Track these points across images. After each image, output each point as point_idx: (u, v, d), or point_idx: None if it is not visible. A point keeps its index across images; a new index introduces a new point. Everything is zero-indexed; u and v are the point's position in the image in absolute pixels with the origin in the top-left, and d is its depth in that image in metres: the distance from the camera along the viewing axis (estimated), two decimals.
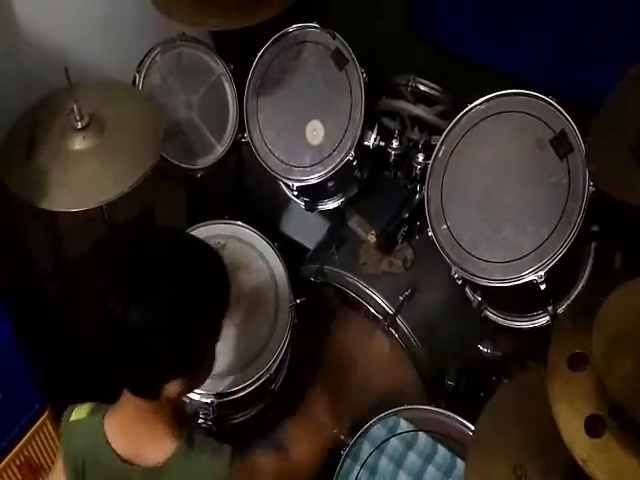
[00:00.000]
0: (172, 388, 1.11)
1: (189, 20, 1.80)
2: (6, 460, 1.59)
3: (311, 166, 1.88)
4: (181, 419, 1.19)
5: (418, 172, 1.91)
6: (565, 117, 1.47)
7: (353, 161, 1.81)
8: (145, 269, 1.04)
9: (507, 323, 1.69)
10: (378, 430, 1.71)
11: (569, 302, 1.57)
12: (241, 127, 2.03)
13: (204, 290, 1.09)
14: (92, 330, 1.08)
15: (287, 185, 1.96)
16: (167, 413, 1.16)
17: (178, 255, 1.08)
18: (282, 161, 1.92)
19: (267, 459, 1.38)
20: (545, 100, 1.50)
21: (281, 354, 1.81)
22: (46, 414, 1.66)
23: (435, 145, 1.66)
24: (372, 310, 1.83)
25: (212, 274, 1.12)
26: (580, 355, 1.09)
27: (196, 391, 1.73)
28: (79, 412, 1.23)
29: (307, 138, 1.88)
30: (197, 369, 1.17)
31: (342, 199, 2.00)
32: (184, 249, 1.11)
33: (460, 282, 1.63)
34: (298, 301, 1.87)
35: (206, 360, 1.19)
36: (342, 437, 1.78)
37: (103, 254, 1.09)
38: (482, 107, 1.60)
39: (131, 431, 1.16)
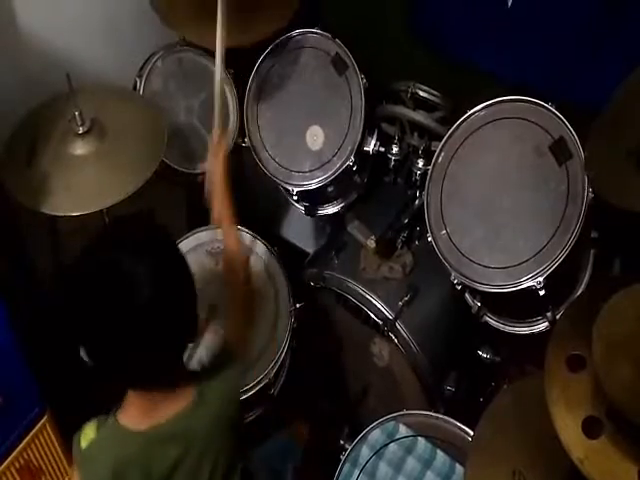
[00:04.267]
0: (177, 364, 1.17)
1: (189, 32, 1.81)
2: (5, 463, 1.59)
3: (311, 171, 1.88)
4: (187, 378, 1.22)
5: (418, 178, 1.92)
6: (564, 123, 1.48)
7: (353, 166, 1.82)
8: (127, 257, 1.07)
9: (506, 329, 1.69)
10: (377, 435, 1.72)
11: (568, 306, 1.57)
12: (241, 132, 2.04)
13: (180, 264, 1.15)
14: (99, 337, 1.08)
15: (287, 190, 1.97)
16: (179, 383, 1.18)
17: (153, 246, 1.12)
18: (282, 166, 1.93)
19: None
20: (544, 106, 1.51)
21: (280, 358, 1.81)
22: (46, 417, 1.66)
23: (435, 151, 1.66)
24: (372, 315, 1.83)
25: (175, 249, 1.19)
26: (578, 357, 1.10)
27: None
28: (87, 436, 1.18)
29: (307, 143, 1.89)
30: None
31: (342, 204, 2.00)
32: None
33: (459, 287, 1.64)
34: (298, 305, 1.87)
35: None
36: (342, 442, 1.78)
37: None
38: (482, 113, 1.60)
39: (152, 411, 1.16)
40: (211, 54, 2.04)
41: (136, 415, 1.17)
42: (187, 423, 1.16)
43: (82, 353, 1.08)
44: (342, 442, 1.78)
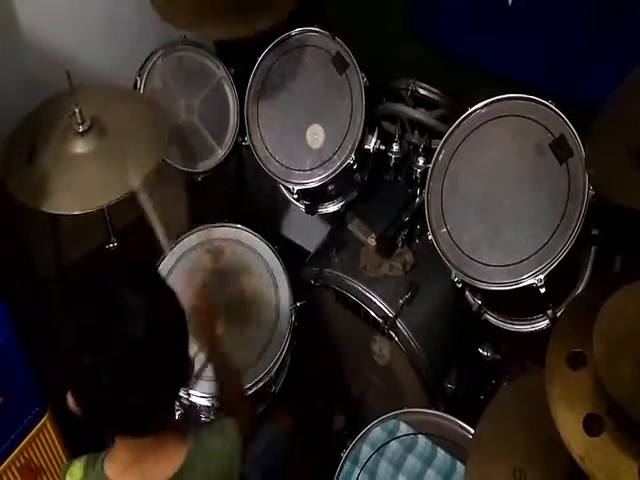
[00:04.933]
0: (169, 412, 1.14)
1: (189, 26, 1.81)
2: (6, 462, 1.59)
3: (311, 170, 1.88)
4: (181, 426, 1.19)
5: (418, 176, 1.92)
6: (565, 121, 1.48)
7: (353, 165, 1.82)
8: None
9: (507, 327, 1.69)
10: (378, 433, 1.72)
11: (569, 304, 1.57)
12: (242, 131, 2.04)
13: (174, 303, 1.11)
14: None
15: (287, 188, 1.97)
16: (169, 430, 1.14)
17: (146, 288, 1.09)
18: (283, 164, 1.93)
19: None
20: (545, 104, 1.51)
21: (281, 357, 1.81)
22: (46, 416, 1.66)
23: (435, 149, 1.66)
24: (372, 313, 1.83)
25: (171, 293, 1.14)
26: (579, 355, 1.10)
27: (196, 394, 1.73)
28: (73, 474, 1.17)
29: (308, 142, 1.89)
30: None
31: (342, 202, 2.00)
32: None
33: (460, 285, 1.64)
34: (298, 304, 1.87)
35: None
36: (340, 438, 1.78)
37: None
38: (482, 111, 1.60)
39: (138, 467, 1.12)
40: (211, 52, 2.05)
41: (122, 469, 1.13)
42: None
43: (69, 399, 1.06)
44: (341, 438, 1.78)
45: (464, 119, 1.62)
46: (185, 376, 1.14)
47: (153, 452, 1.12)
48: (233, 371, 1.51)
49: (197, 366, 1.31)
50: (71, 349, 1.02)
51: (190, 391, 1.73)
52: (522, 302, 1.60)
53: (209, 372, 1.71)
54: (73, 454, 1.38)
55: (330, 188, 1.92)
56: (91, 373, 1.00)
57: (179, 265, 1.90)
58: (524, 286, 1.47)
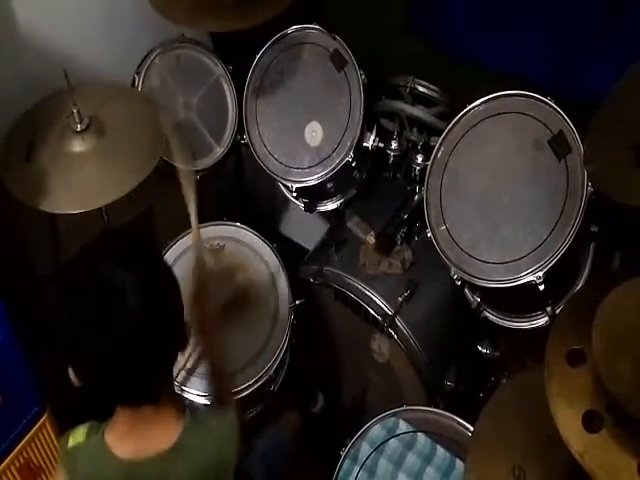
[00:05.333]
0: (168, 380, 1.16)
1: (187, 21, 1.80)
2: (6, 462, 1.59)
3: (310, 167, 1.88)
4: (180, 402, 1.20)
5: (417, 173, 1.92)
6: (563, 118, 1.48)
7: (352, 162, 1.82)
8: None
9: (506, 324, 1.69)
10: (377, 431, 1.72)
11: (567, 301, 1.57)
12: (240, 128, 2.04)
13: (167, 274, 1.14)
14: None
15: (286, 186, 1.97)
16: (167, 403, 1.16)
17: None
18: (281, 162, 1.93)
19: None
20: (543, 101, 1.51)
21: (280, 355, 1.81)
22: (45, 416, 1.65)
23: (434, 146, 1.66)
24: (371, 311, 1.83)
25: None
26: (578, 351, 1.10)
27: (195, 392, 1.73)
28: (76, 437, 1.19)
29: (306, 139, 1.89)
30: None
31: (341, 200, 2.00)
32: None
33: (459, 283, 1.63)
34: (297, 302, 1.87)
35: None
36: (341, 437, 1.78)
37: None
38: (481, 108, 1.60)
39: (137, 435, 1.14)
40: (209, 50, 2.04)
41: (121, 437, 1.15)
42: (161, 469, 1.13)
43: (70, 373, 1.08)
44: (342, 438, 1.78)
45: (463, 116, 1.61)
46: (183, 341, 1.16)
47: (152, 423, 1.14)
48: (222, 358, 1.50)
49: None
50: (71, 331, 1.04)
51: (187, 389, 1.73)
52: (521, 299, 1.60)
53: (205, 370, 1.72)
54: None
55: (329, 186, 1.92)
56: (92, 351, 1.04)
57: (179, 263, 1.90)
58: (523, 283, 1.47)
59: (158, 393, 1.13)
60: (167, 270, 1.14)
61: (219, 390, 1.50)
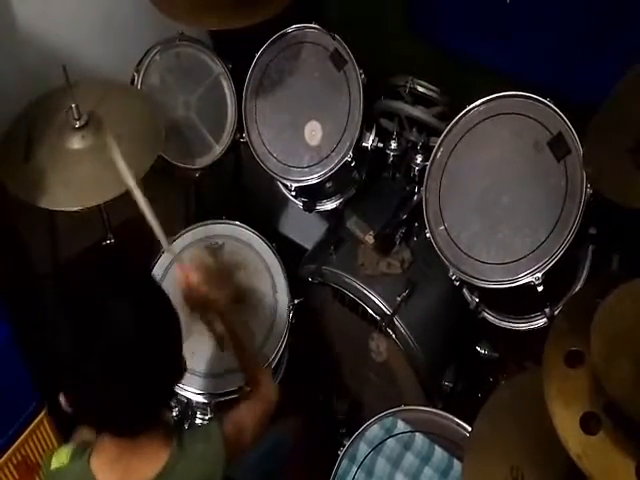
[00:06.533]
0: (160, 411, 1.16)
1: (187, 19, 1.80)
2: (3, 459, 1.59)
3: (309, 167, 1.88)
4: (168, 428, 1.19)
5: (416, 173, 1.92)
6: (563, 119, 1.48)
7: (351, 162, 1.82)
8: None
9: (504, 324, 1.69)
10: (375, 431, 1.72)
11: (566, 302, 1.57)
12: (239, 127, 2.03)
13: (165, 304, 1.12)
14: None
15: (285, 185, 1.97)
16: (156, 431, 1.15)
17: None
18: (280, 161, 1.93)
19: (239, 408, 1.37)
20: (543, 102, 1.51)
21: (279, 354, 1.81)
22: (43, 413, 1.65)
23: (433, 146, 1.66)
24: (370, 311, 1.83)
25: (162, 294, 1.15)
26: (577, 353, 1.10)
27: (194, 391, 1.73)
28: (59, 458, 1.18)
29: (305, 139, 1.89)
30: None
31: (340, 200, 2.00)
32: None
33: (458, 283, 1.64)
34: (296, 301, 1.87)
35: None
36: (339, 437, 1.78)
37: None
38: (480, 109, 1.60)
39: (123, 463, 1.13)
40: (209, 48, 2.04)
41: (106, 463, 1.13)
42: None
43: (61, 399, 1.07)
44: (339, 437, 1.78)
45: (462, 117, 1.61)
46: (178, 373, 1.15)
47: (138, 451, 1.13)
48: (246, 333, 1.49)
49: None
50: (64, 356, 1.04)
51: (186, 387, 1.72)
52: (519, 300, 1.60)
53: (203, 368, 1.71)
54: None
55: (328, 185, 1.92)
56: (84, 378, 1.03)
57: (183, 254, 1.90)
58: (521, 284, 1.47)
59: (147, 425, 1.12)
60: (165, 302, 1.12)
61: (247, 368, 1.50)
